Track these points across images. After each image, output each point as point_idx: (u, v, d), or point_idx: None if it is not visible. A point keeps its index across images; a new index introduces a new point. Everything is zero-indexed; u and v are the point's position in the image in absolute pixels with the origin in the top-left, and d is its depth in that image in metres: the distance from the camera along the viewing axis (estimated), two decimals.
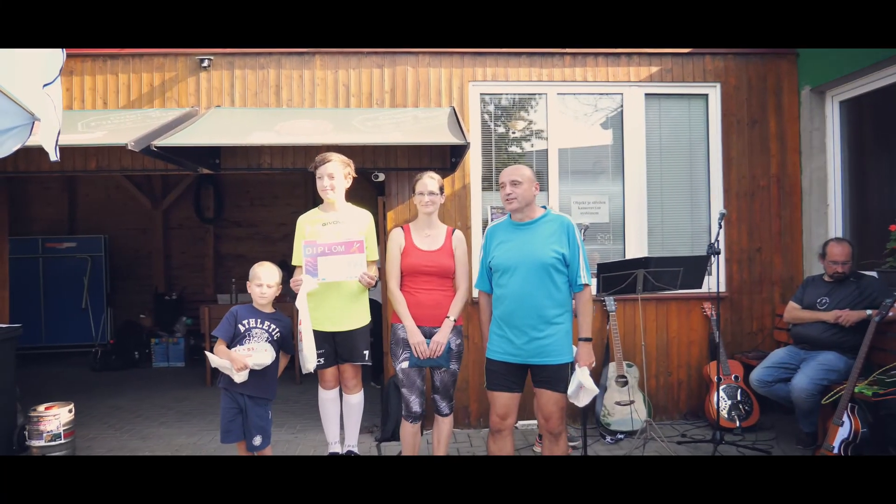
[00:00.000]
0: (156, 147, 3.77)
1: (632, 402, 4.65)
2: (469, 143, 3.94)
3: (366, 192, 7.25)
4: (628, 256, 5.00)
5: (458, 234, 3.56)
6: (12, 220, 8.55)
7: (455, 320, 3.41)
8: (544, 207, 3.25)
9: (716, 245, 4.24)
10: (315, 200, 9.19)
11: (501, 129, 5.14)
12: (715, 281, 4.46)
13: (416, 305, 3.41)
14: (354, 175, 3.72)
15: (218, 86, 4.91)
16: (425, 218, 3.50)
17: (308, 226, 3.62)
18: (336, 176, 3.56)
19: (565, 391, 3.08)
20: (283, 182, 9.17)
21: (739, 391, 4.72)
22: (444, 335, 3.35)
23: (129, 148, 3.69)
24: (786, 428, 4.63)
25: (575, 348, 3.15)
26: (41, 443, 4.33)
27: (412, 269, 3.44)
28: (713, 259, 4.28)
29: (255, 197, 9.16)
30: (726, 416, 4.64)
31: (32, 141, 3.21)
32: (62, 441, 4.38)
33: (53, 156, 3.16)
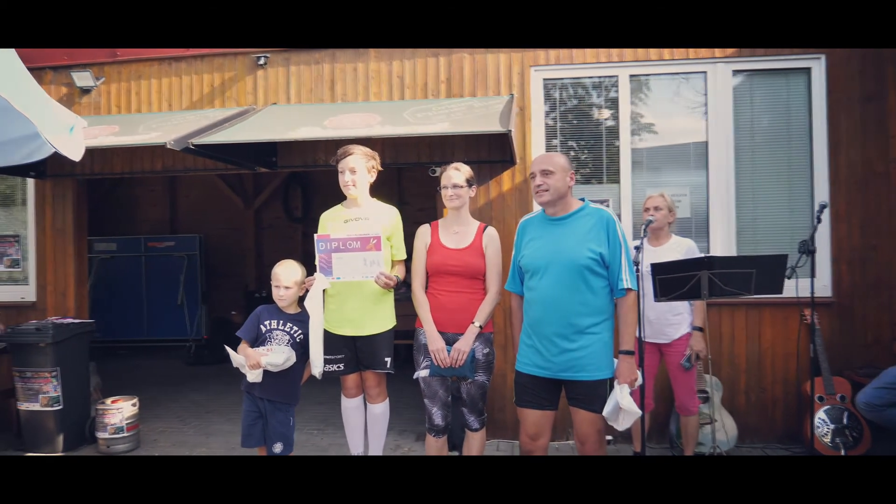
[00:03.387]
0: (193, 145, 3.75)
1: (714, 421, 4.09)
2: (510, 131, 3.59)
3: (425, 186, 7.05)
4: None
5: (491, 230, 3.22)
6: (122, 221, 9.23)
7: (482, 327, 3.08)
8: (583, 199, 2.86)
9: (810, 242, 3.61)
10: (402, 196, 9.20)
11: (567, 117, 4.72)
12: (810, 284, 3.78)
13: (439, 308, 3.12)
14: (380, 168, 3.49)
15: (274, 83, 4.87)
16: (453, 213, 3.21)
17: (330, 223, 3.45)
18: (358, 170, 3.35)
19: (602, 411, 2.68)
20: None
21: (846, 414, 4.02)
22: (466, 343, 3.03)
23: (169, 146, 3.70)
24: None
25: (616, 362, 2.74)
26: (105, 435, 4.47)
27: (437, 269, 3.15)
28: (806, 258, 3.64)
29: (342, 196, 9.19)
30: (829, 442, 3.97)
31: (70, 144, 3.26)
32: (125, 434, 4.50)
33: (75, 157, 3.20)
